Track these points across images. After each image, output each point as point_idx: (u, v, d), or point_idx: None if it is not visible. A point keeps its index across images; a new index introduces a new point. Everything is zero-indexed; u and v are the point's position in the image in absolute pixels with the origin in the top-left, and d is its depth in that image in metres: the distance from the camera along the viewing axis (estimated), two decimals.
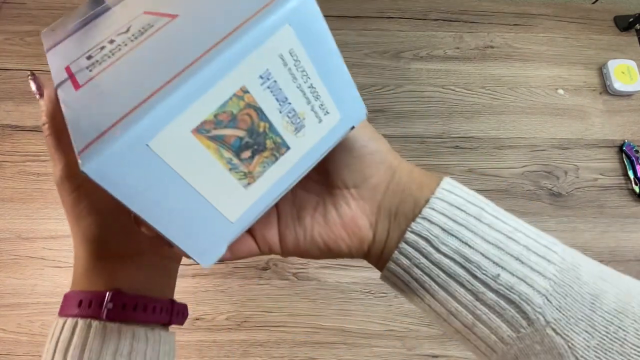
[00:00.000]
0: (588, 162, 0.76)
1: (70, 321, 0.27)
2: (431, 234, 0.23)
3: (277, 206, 0.27)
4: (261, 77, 0.17)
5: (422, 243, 0.23)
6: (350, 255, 0.26)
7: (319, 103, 0.20)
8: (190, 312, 0.58)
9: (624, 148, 0.76)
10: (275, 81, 0.18)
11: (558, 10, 0.89)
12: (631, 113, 0.80)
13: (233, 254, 0.25)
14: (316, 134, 0.21)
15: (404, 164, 0.26)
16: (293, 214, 0.26)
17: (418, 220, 0.23)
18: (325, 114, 0.20)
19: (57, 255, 0.67)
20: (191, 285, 0.66)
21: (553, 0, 0.89)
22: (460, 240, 0.22)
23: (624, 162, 0.75)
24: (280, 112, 0.19)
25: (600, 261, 0.23)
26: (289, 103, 0.19)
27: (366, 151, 0.25)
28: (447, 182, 0.24)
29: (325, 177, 0.26)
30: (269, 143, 0.19)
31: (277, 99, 0.18)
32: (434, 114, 0.79)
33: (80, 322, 0.27)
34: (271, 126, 0.19)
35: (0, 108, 0.76)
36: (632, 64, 0.81)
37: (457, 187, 0.24)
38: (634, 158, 0.74)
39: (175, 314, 0.31)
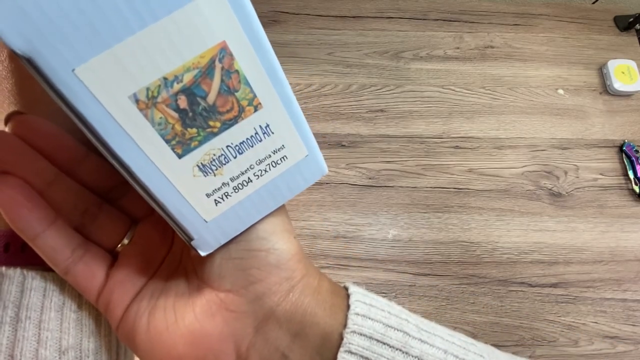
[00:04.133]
0: (588, 162, 0.76)
1: None
2: None
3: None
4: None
5: None
6: None
7: None
8: None
9: (624, 148, 0.76)
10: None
11: (558, 10, 0.89)
12: (631, 113, 0.80)
13: (67, 272, 0.18)
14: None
15: (310, 277, 0.19)
16: (158, 287, 0.19)
17: None
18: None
19: None
20: None
21: (553, 0, 0.89)
22: None
23: (624, 162, 0.75)
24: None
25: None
26: None
27: (261, 246, 0.18)
28: (358, 302, 0.18)
29: (199, 266, 0.18)
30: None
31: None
32: (434, 114, 0.79)
33: (9, 271, 0.19)
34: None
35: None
36: (632, 64, 0.81)
37: (372, 306, 0.18)
38: (634, 158, 0.74)
39: None
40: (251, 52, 0.15)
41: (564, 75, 0.83)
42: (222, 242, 0.17)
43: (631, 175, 0.74)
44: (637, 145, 0.76)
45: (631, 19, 0.85)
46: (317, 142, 0.18)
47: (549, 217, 0.72)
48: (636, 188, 0.73)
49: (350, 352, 0.17)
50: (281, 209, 0.19)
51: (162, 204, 0.16)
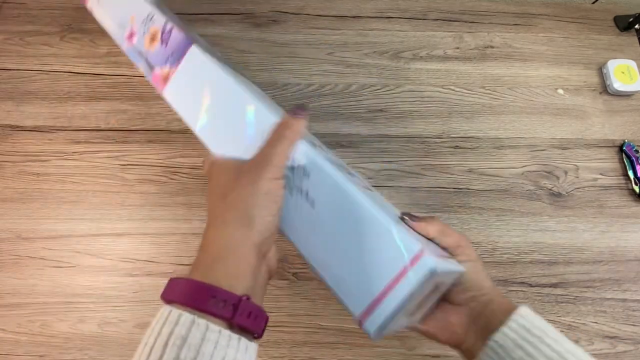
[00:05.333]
0: (588, 162, 0.76)
1: (202, 320, 0.27)
2: (503, 344, 0.34)
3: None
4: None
5: (498, 350, 0.35)
6: (449, 345, 0.40)
7: None
8: None
9: (624, 148, 0.76)
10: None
11: (558, 10, 0.89)
12: (631, 113, 0.80)
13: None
14: None
15: (498, 297, 0.39)
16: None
17: (495, 337, 0.35)
18: None
19: (57, 255, 0.67)
20: None
21: (553, 0, 0.89)
22: (525, 351, 0.33)
23: (624, 162, 0.75)
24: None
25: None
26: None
27: (476, 285, 0.39)
28: (524, 310, 0.36)
29: (449, 297, 0.40)
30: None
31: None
32: (434, 114, 0.79)
33: (200, 320, 0.27)
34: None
35: (0, 108, 0.76)
36: (632, 64, 0.81)
37: (529, 316, 0.35)
38: (634, 158, 0.74)
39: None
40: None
41: (564, 75, 0.83)
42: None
43: (631, 175, 0.74)
44: (637, 145, 0.76)
45: (631, 19, 0.85)
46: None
47: (549, 217, 0.72)
48: (636, 188, 0.73)
49: (510, 329, 0.35)
50: (478, 262, 0.41)
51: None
